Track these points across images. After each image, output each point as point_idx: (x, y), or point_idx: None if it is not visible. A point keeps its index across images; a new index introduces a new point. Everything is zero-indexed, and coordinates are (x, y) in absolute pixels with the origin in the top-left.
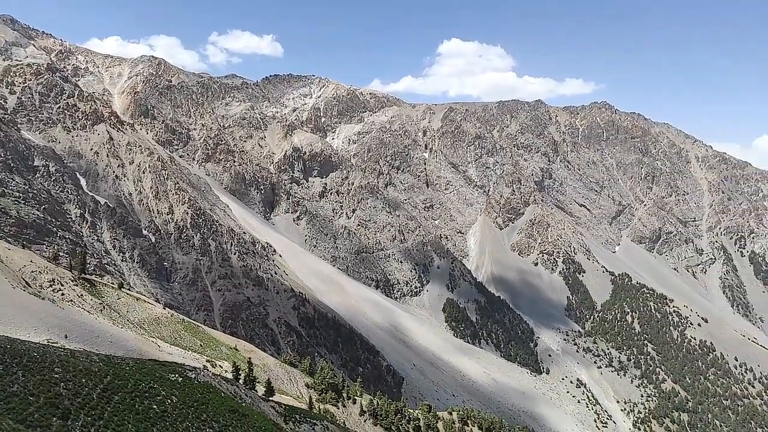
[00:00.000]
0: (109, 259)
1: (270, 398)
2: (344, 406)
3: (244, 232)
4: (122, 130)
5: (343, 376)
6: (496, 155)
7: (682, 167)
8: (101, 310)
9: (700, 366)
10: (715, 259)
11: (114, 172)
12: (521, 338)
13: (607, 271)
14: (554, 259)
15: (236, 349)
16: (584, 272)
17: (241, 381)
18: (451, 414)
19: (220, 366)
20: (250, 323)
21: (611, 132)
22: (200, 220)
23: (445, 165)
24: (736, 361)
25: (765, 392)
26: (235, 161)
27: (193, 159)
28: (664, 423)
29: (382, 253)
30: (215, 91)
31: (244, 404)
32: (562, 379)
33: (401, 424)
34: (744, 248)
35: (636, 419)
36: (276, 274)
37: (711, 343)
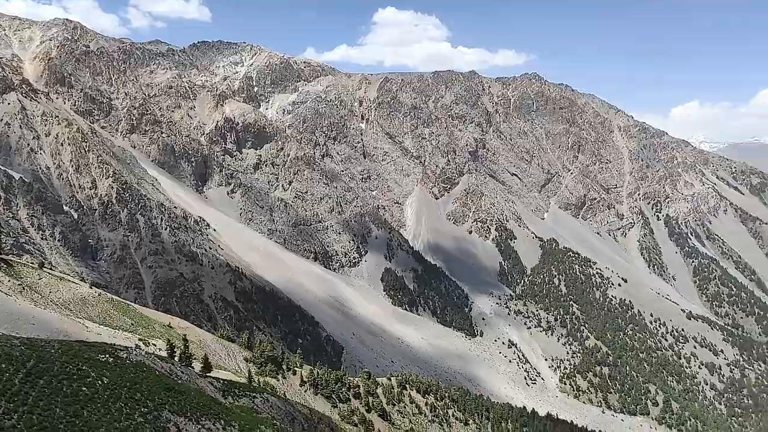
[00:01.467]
0: (27, 238)
1: (208, 374)
2: (284, 378)
3: (175, 207)
4: (36, 100)
5: (282, 348)
6: (432, 126)
7: (606, 136)
8: (21, 292)
9: (619, 323)
10: (634, 223)
11: (29, 144)
12: (457, 304)
13: (536, 237)
14: (487, 226)
15: (171, 327)
16: (515, 239)
17: (176, 358)
18: (390, 379)
19: (153, 344)
20: (184, 300)
21: (540, 103)
22: (127, 195)
23: (381, 136)
24: (651, 317)
25: (675, 344)
26: (162, 132)
27: (117, 130)
28: (587, 377)
29: (320, 225)
30: (138, 57)
31: (180, 382)
32: (495, 340)
33: (341, 392)
34: (660, 212)
35: (562, 375)
36: (210, 248)
37: (629, 301)
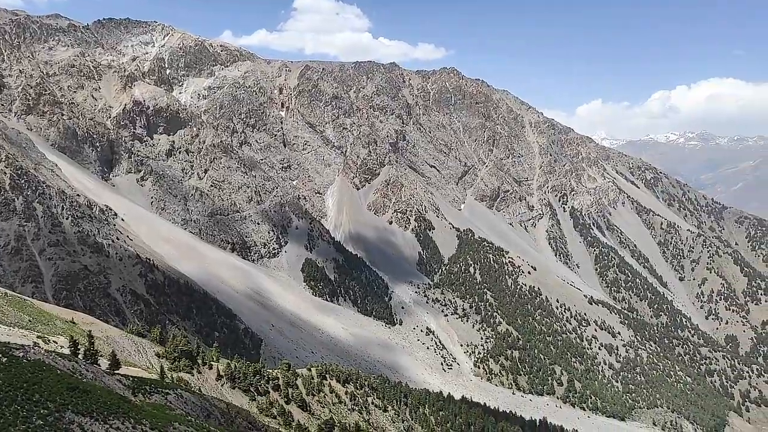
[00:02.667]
0: None
1: (116, 371)
2: (200, 373)
3: (78, 195)
4: None
5: (197, 342)
6: (353, 116)
7: (518, 131)
8: None
9: (529, 309)
10: (543, 214)
11: None
12: (377, 293)
13: (453, 227)
14: (407, 217)
15: (73, 323)
16: (434, 229)
17: (80, 356)
18: (310, 370)
19: (54, 342)
20: (89, 294)
21: (458, 97)
22: (22, 181)
23: (302, 125)
24: (557, 302)
25: (578, 327)
26: (63, 114)
27: (10, 111)
28: (499, 361)
29: (238, 215)
30: (35, 32)
31: (85, 380)
32: (414, 328)
33: (260, 385)
34: (566, 204)
35: (476, 359)
36: (118, 239)
37: (538, 288)
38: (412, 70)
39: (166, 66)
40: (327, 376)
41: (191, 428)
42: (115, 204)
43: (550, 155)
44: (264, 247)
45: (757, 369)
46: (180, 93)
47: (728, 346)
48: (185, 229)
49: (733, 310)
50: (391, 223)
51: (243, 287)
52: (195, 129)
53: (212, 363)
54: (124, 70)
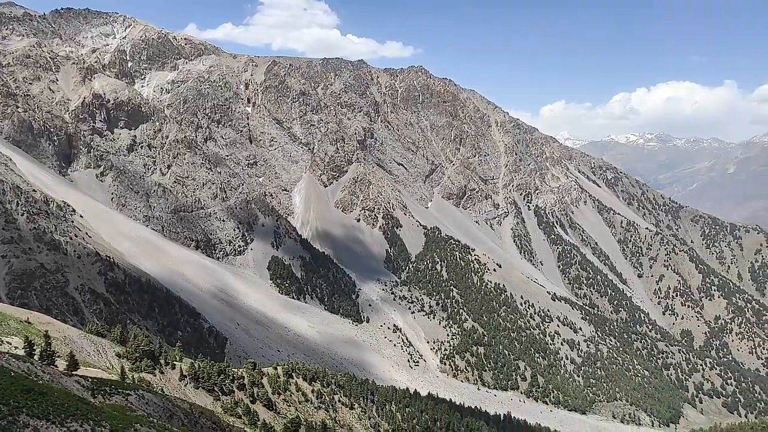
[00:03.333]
0: None
1: (74, 372)
2: (162, 373)
3: (33, 190)
4: None
5: (160, 341)
6: (321, 113)
7: (485, 131)
8: None
9: (494, 305)
10: (508, 212)
11: None
12: (344, 291)
13: (420, 225)
14: (375, 215)
15: (29, 323)
16: (401, 227)
17: (36, 357)
18: (276, 369)
19: (8, 343)
20: (45, 293)
21: (426, 95)
22: None
23: (269, 121)
24: (522, 299)
25: (542, 323)
26: (18, 107)
27: None
28: (465, 357)
29: (203, 212)
30: None
31: (41, 382)
32: (381, 325)
33: (225, 384)
34: (530, 203)
35: (443, 356)
36: (77, 236)
37: (503, 285)
38: (381, 68)
39: (128, 59)
40: (293, 374)
41: (153, 429)
42: (73, 200)
43: (516, 154)
44: (229, 245)
45: (710, 362)
46: (142, 87)
47: (683, 341)
48: (147, 226)
49: (688, 306)
50: (358, 220)
51: (207, 285)
52: (158, 123)
53: (175, 363)
54: (84, 62)
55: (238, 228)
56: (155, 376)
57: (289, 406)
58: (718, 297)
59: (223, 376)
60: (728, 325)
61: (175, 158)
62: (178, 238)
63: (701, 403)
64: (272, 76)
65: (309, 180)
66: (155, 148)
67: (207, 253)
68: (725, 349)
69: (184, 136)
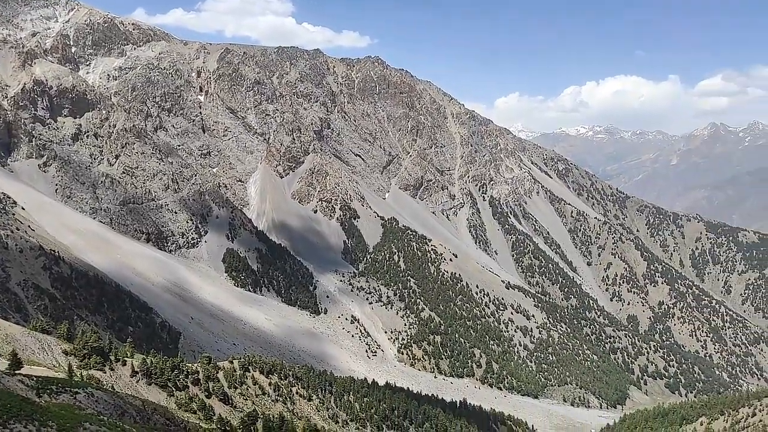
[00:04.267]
0: None
1: (17, 371)
2: (112, 370)
3: None
4: None
5: (110, 337)
6: (276, 102)
7: (441, 122)
8: None
9: (450, 294)
10: (464, 203)
11: None
12: (302, 283)
13: (378, 216)
14: (332, 206)
15: None
16: (359, 218)
17: None
18: (231, 363)
19: None
20: None
21: (383, 86)
22: None
23: (222, 110)
24: (477, 288)
25: (496, 311)
26: None
27: None
28: (422, 346)
29: (154, 204)
30: None
31: None
32: (339, 317)
33: (179, 380)
34: (485, 194)
35: (400, 345)
36: (18, 229)
37: (459, 274)
38: (337, 58)
39: (72, 44)
40: (250, 368)
41: (103, 428)
42: (13, 191)
43: (471, 146)
44: (182, 237)
45: (654, 345)
46: (87, 73)
47: (630, 326)
48: (95, 218)
49: (634, 292)
50: (315, 212)
51: (159, 279)
52: (104, 112)
53: (126, 359)
54: (23, 47)
55: (192, 220)
56: (105, 373)
57: (246, 399)
58: (662, 283)
59: (176, 372)
60: (671, 309)
61: (123, 148)
62: (128, 230)
63: (646, 384)
64: (225, 64)
65: (265, 171)
66: (102, 137)
67: (159, 246)
68: (668, 333)
69: (133, 125)
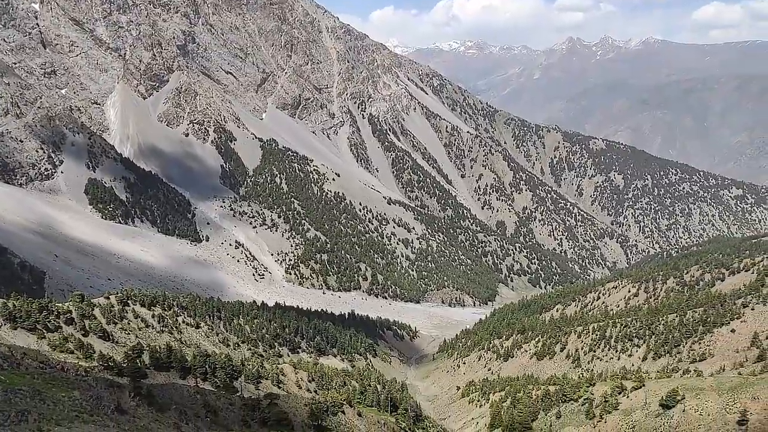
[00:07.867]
0: None
1: None
2: None
3: None
4: None
5: None
6: (130, 13)
7: (316, 36)
8: None
9: (335, 213)
10: (343, 122)
11: None
12: (178, 211)
13: (256, 137)
14: (205, 128)
15: None
16: (236, 140)
17: None
18: (108, 298)
19: None
20: None
21: None
22: None
23: (65, 21)
24: (360, 205)
25: (380, 226)
26: None
27: None
28: (309, 265)
29: None
30: None
31: None
32: (222, 243)
33: (49, 321)
34: (364, 111)
35: (288, 266)
36: None
37: (342, 193)
38: None
39: None
40: (129, 302)
41: None
42: None
43: (348, 62)
44: (33, 168)
45: (518, 246)
46: None
47: (498, 230)
48: None
49: (501, 200)
50: (187, 135)
51: (12, 216)
52: None
53: None
54: None
55: (42, 149)
56: None
57: (129, 334)
58: (526, 190)
59: (45, 313)
60: (533, 213)
61: None
62: None
63: (512, 281)
64: None
65: (123, 91)
66: None
67: (5, 179)
68: (530, 234)
69: None
